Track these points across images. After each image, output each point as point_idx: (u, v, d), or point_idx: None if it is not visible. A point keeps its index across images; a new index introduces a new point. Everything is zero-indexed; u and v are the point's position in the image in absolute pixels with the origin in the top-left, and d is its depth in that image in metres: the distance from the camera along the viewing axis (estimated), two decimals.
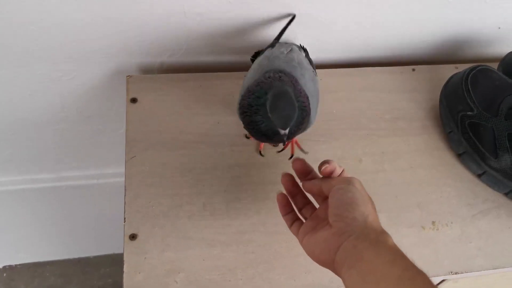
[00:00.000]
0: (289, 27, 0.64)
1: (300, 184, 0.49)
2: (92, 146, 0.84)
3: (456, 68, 0.74)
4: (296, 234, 0.46)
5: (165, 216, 0.54)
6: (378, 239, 0.38)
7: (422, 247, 0.56)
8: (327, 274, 0.49)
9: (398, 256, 0.37)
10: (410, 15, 0.69)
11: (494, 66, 0.68)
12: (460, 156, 0.63)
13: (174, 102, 0.64)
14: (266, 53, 0.57)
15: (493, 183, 0.61)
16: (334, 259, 0.39)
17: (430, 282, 0.35)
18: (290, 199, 0.49)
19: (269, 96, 0.46)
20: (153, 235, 0.52)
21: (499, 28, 0.76)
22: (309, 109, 0.50)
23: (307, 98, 0.50)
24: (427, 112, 0.69)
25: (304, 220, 0.47)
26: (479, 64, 0.65)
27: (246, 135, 0.61)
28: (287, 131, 0.46)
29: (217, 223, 0.54)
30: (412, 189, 0.60)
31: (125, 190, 0.55)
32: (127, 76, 0.65)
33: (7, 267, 1.21)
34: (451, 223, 0.58)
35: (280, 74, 0.50)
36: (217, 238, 0.53)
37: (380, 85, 0.71)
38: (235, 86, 0.68)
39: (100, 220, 1.07)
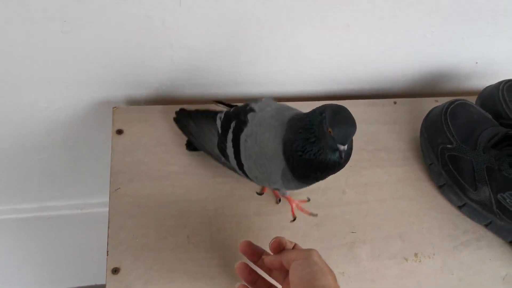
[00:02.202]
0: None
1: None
2: (76, 175, 0.84)
3: (436, 101, 0.76)
4: None
5: (148, 249, 0.53)
6: None
7: (405, 279, 0.56)
8: None
9: None
10: (390, 49, 0.72)
11: (473, 100, 0.71)
12: (440, 187, 0.65)
13: (160, 134, 0.65)
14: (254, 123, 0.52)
15: (473, 215, 0.62)
16: None
17: None
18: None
19: (326, 113, 0.45)
20: (136, 268, 0.52)
21: (476, 63, 0.78)
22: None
23: None
24: (408, 143, 0.71)
25: None
26: (458, 98, 0.67)
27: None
28: (345, 147, 0.44)
29: (201, 255, 0.54)
30: (394, 220, 0.61)
31: (108, 222, 0.55)
32: (113, 108, 0.66)
33: None
34: (433, 254, 0.59)
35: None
36: (201, 271, 0.53)
37: (362, 117, 0.72)
38: None
39: (84, 250, 1.05)
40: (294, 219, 0.59)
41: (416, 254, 0.58)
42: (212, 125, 0.57)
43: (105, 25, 0.56)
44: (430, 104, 0.73)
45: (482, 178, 0.59)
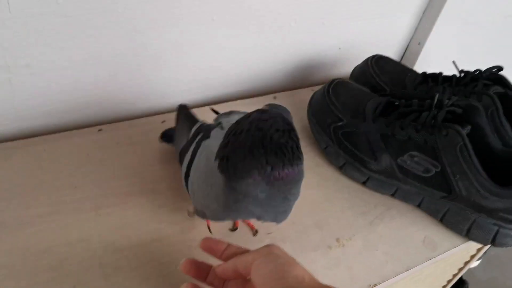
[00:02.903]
0: None
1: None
2: None
3: (313, 90, 0.75)
4: None
5: None
6: None
7: (334, 267, 0.51)
8: None
9: None
10: (260, 44, 0.69)
11: None
12: (341, 168, 0.62)
13: (13, 175, 0.52)
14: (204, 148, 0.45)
15: (379, 187, 0.60)
16: None
17: None
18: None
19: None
20: None
21: (339, 48, 0.80)
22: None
23: None
24: (299, 133, 0.68)
25: None
26: (334, 78, 0.67)
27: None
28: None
29: None
30: (306, 211, 0.56)
31: None
32: None
33: None
34: (354, 235, 0.55)
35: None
36: None
37: None
38: (88, 143, 0.58)
39: None
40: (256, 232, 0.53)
41: (338, 239, 0.54)
42: (189, 129, 0.52)
43: None
44: (308, 94, 0.71)
45: (379, 147, 0.58)
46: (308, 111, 0.67)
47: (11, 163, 0.53)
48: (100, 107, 0.62)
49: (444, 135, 0.54)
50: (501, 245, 0.55)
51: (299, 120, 0.69)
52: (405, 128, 0.57)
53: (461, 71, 0.66)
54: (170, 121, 0.63)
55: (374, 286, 0.50)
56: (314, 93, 0.67)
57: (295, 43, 0.74)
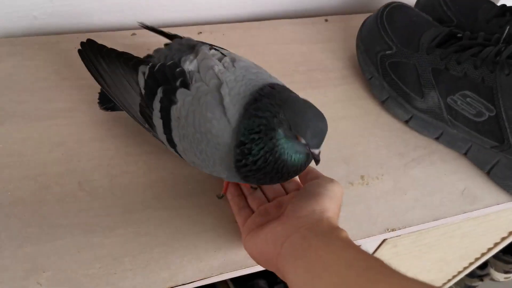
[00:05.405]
0: None
1: None
2: None
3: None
4: (242, 224, 0.40)
5: (24, 203, 0.41)
6: (331, 231, 0.33)
7: (352, 205, 0.47)
8: (241, 250, 0.40)
9: (350, 245, 0.31)
10: None
11: None
12: (384, 102, 0.56)
13: (40, 68, 0.52)
14: (191, 93, 0.37)
15: (423, 127, 0.54)
16: (279, 252, 0.34)
17: (384, 265, 0.29)
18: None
19: (285, 114, 0.33)
20: (7, 228, 0.39)
21: None
22: None
23: None
24: (345, 61, 0.62)
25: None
26: (393, 1, 0.59)
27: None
28: (320, 150, 0.34)
29: (97, 203, 0.42)
30: (336, 143, 0.52)
31: None
32: None
33: None
34: (382, 175, 0.50)
35: (264, 88, 0.35)
36: (98, 222, 0.41)
37: (290, 37, 0.63)
38: (120, 46, 0.57)
39: None
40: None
41: (362, 177, 0.49)
42: (131, 76, 0.41)
43: None
44: (364, 20, 0.64)
45: (428, 82, 0.51)
46: (358, 36, 0.60)
47: (41, 57, 0.53)
48: (135, 11, 0.59)
49: (506, 74, 0.45)
50: None
51: (347, 48, 0.63)
52: (463, 62, 0.49)
53: None
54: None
55: (393, 230, 0.46)
56: (368, 17, 0.60)
57: None
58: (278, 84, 0.37)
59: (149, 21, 0.61)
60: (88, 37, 0.44)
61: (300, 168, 0.36)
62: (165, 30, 0.52)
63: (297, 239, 0.33)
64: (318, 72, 0.59)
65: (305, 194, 0.37)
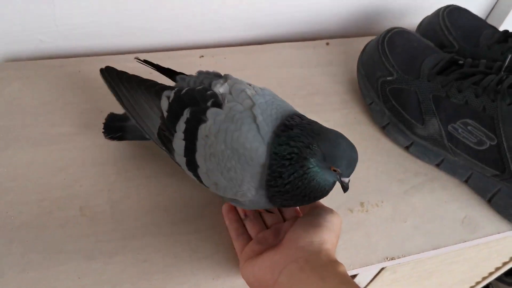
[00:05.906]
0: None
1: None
2: None
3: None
4: (240, 251, 0.41)
5: (27, 227, 0.41)
6: (329, 265, 0.34)
7: (352, 233, 0.47)
8: (239, 278, 0.40)
9: (346, 282, 0.32)
10: None
11: None
12: (384, 128, 0.56)
13: (44, 92, 0.53)
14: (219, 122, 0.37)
15: (423, 154, 0.54)
16: (276, 280, 0.35)
17: None
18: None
19: (320, 146, 0.35)
20: (11, 252, 0.40)
21: None
22: None
23: None
24: (346, 85, 0.62)
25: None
26: (395, 26, 0.59)
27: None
28: (349, 179, 0.37)
29: (99, 229, 0.43)
30: None
31: None
32: None
33: None
34: (382, 202, 0.50)
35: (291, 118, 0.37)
36: (99, 248, 0.41)
37: (291, 61, 0.64)
38: (123, 69, 0.58)
39: None
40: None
41: (362, 203, 0.50)
42: (153, 101, 0.42)
43: None
44: (365, 43, 0.64)
45: (429, 109, 0.52)
46: (359, 61, 0.60)
47: (45, 80, 0.54)
48: (139, 35, 0.60)
49: (508, 104, 0.46)
50: None
51: (348, 72, 0.63)
52: (464, 90, 0.49)
53: None
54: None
55: (392, 259, 0.46)
56: (369, 42, 0.61)
57: None
58: (304, 115, 0.39)
59: (152, 45, 0.63)
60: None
61: (324, 194, 0.38)
62: (167, 53, 0.52)
63: (294, 269, 0.34)
64: (318, 96, 0.60)
65: (304, 224, 0.38)
